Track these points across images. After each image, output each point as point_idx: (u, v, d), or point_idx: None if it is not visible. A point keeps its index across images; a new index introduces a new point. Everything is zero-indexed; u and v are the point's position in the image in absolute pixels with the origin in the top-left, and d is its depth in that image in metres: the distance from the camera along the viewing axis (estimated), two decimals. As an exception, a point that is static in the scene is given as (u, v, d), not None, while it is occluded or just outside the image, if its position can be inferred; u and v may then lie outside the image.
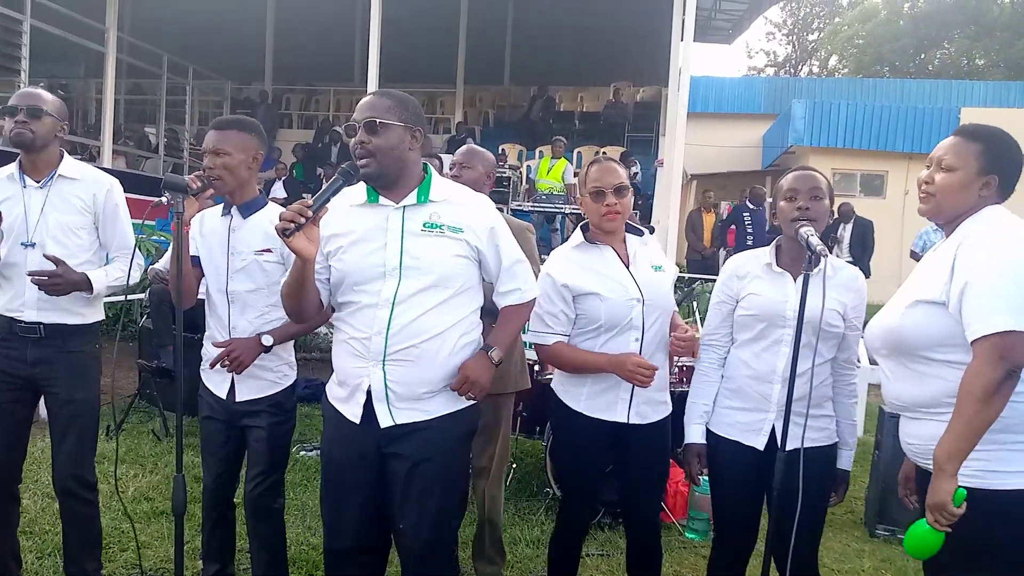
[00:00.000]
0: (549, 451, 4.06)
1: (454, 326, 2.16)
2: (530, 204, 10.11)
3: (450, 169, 3.21)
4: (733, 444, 2.44)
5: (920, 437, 2.01)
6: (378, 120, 2.08)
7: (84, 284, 2.67)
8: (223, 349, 2.53)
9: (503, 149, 12.58)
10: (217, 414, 2.67)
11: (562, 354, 2.58)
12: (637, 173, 11.65)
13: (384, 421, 2.15)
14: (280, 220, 1.93)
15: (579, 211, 10.68)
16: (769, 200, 3.06)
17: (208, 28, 14.69)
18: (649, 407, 2.59)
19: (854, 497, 4.56)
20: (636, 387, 2.51)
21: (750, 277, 2.44)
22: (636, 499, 2.71)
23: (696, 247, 10.90)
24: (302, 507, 3.94)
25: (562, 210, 10.36)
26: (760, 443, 2.41)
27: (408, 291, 2.10)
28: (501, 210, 3.10)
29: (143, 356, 5.77)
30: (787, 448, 2.28)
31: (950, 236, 1.98)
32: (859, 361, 2.75)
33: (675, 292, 2.85)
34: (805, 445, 2.32)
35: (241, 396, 2.62)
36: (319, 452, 4.71)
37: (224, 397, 2.64)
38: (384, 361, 2.11)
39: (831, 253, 10.54)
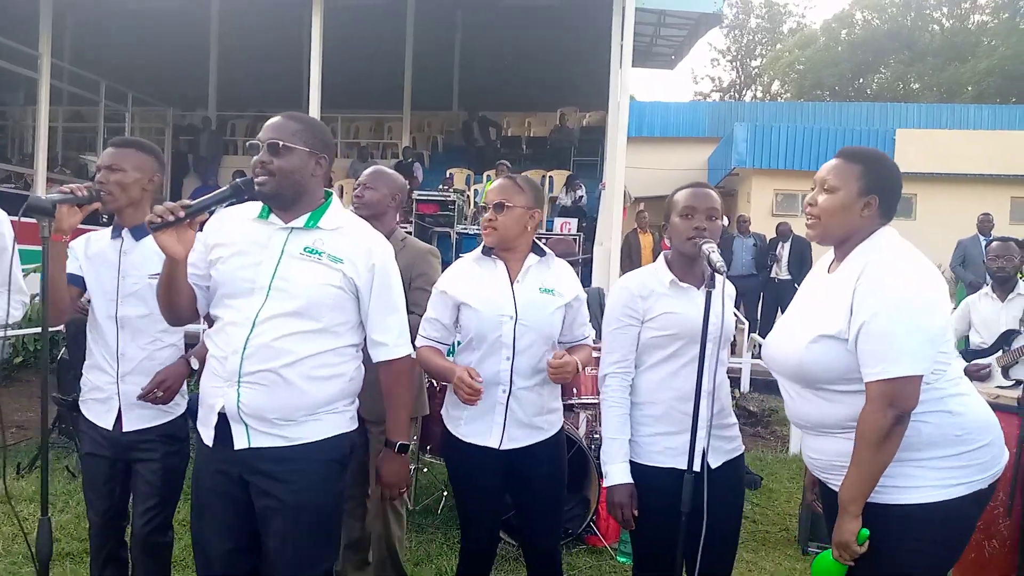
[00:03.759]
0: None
1: (316, 355, 2.05)
2: (476, 227, 10.15)
3: (354, 190, 3.14)
4: (665, 472, 2.29)
5: (824, 452, 2.04)
6: (281, 143, 2.05)
7: None
8: (154, 380, 2.48)
9: (451, 173, 12.69)
10: (101, 449, 2.54)
11: (424, 358, 2.53)
12: (582, 196, 11.81)
13: (239, 443, 2.04)
14: (152, 212, 1.91)
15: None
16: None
17: (150, 55, 14.51)
18: (523, 431, 2.50)
19: (789, 514, 4.61)
20: (509, 412, 2.48)
21: (655, 296, 2.35)
22: (531, 524, 2.62)
23: (631, 270, 10.76)
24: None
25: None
26: (694, 464, 2.22)
27: (270, 312, 2.02)
28: (433, 235, 3.06)
29: (61, 389, 5.49)
30: (714, 466, 2.29)
31: (844, 261, 2.01)
32: None
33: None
34: (724, 460, 2.35)
35: (129, 426, 2.50)
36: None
37: (110, 428, 2.52)
38: (239, 383, 2.02)
39: (771, 272, 10.71)
